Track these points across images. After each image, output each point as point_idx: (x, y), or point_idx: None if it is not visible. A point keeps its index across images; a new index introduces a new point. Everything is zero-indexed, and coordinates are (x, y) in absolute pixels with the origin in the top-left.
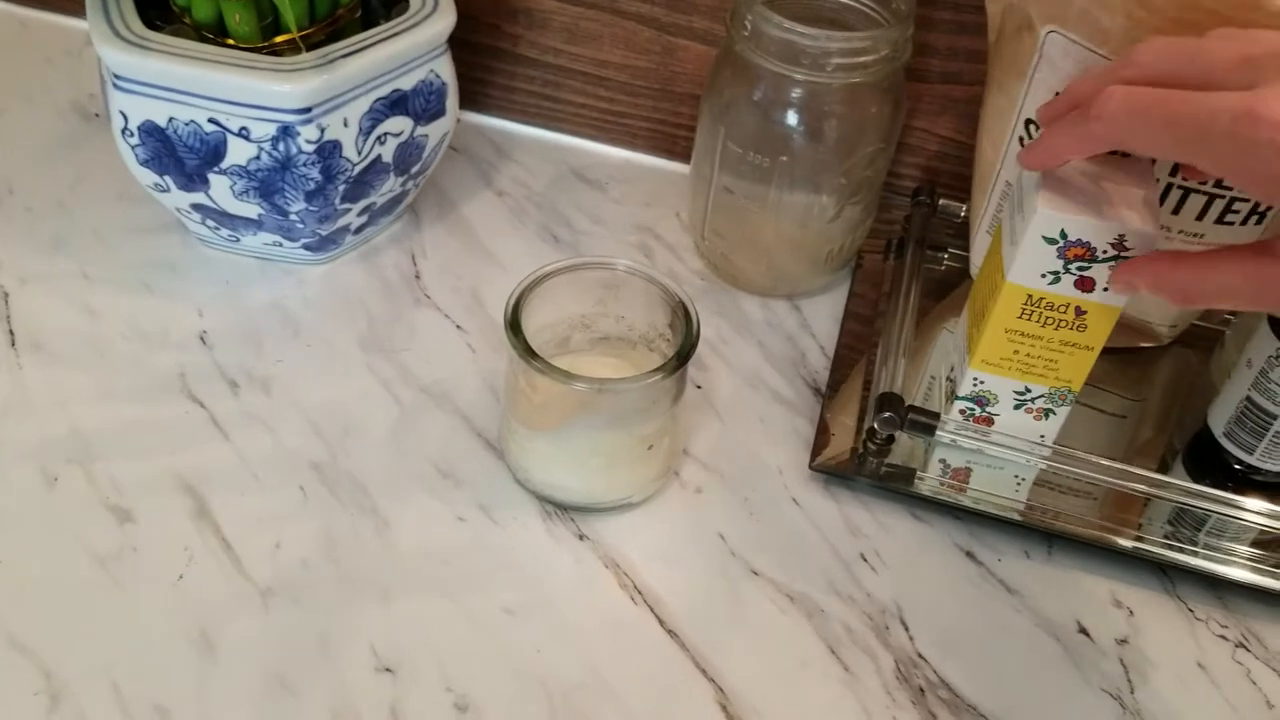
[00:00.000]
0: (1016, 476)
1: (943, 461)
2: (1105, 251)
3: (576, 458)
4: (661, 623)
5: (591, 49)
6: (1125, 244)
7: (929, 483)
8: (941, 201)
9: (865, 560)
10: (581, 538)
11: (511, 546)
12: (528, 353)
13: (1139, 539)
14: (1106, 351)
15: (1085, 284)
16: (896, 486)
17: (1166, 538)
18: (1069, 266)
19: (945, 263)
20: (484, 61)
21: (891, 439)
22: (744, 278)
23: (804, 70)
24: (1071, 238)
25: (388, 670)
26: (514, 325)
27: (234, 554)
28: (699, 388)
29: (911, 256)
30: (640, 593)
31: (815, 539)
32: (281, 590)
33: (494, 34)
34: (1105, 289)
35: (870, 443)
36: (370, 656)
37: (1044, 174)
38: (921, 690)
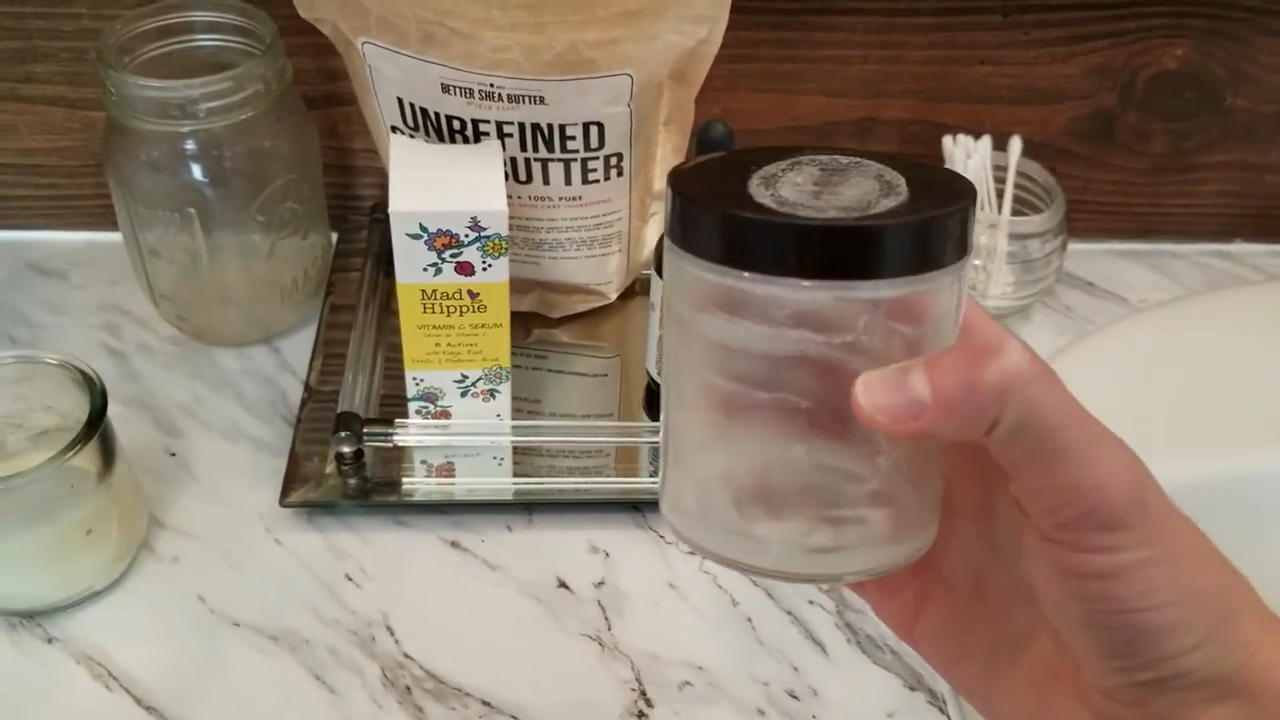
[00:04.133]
0: (495, 458)
1: (425, 463)
2: (467, 235)
3: (8, 564)
4: (138, 701)
5: (10, 140)
6: (480, 224)
7: (414, 487)
8: None
9: (350, 579)
10: (50, 641)
11: None
12: None
13: (606, 485)
14: (572, 318)
15: (465, 268)
16: (375, 501)
17: (629, 477)
18: (443, 256)
19: None
20: None
21: (360, 455)
22: (211, 333)
23: (177, 121)
24: (432, 229)
25: None
26: None
27: None
28: (173, 455)
29: (372, 270)
30: (115, 678)
31: (297, 573)
32: None
33: None
34: (485, 268)
35: (342, 465)
36: None
37: (394, 174)
38: (408, 688)
